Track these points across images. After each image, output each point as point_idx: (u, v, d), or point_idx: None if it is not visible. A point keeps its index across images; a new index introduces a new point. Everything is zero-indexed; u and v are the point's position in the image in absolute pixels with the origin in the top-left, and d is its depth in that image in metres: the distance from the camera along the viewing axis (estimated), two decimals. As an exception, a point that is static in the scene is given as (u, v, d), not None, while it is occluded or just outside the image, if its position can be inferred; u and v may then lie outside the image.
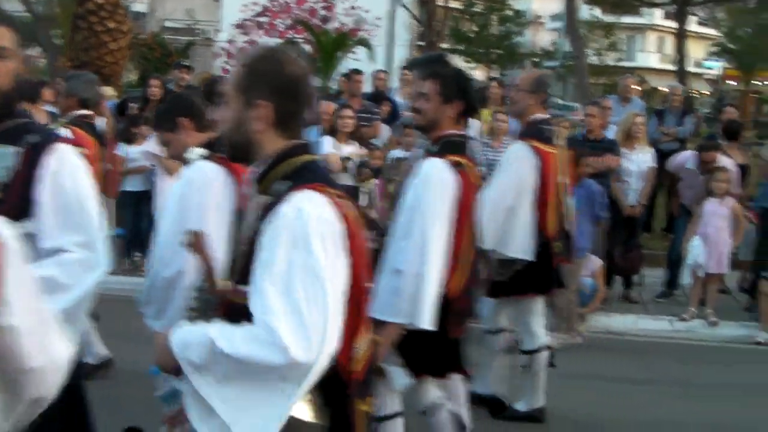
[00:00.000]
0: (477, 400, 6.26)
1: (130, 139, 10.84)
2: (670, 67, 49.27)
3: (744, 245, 10.91)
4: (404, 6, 34.61)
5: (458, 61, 45.49)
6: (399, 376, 4.66)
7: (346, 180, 9.73)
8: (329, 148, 9.80)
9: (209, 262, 3.16)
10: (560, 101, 40.17)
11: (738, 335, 9.67)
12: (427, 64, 4.94)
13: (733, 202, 9.89)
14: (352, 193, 9.80)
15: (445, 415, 4.90)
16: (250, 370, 2.74)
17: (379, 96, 12.94)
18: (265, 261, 2.76)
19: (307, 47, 23.75)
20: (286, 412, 2.78)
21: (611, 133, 10.77)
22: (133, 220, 10.82)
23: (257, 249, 2.82)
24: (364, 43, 22.75)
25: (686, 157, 10.78)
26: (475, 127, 11.49)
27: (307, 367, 2.72)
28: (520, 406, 6.63)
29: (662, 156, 11.19)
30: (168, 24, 44.38)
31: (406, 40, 36.97)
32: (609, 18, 49.94)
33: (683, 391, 7.73)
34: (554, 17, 57.44)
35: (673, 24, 45.35)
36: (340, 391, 2.89)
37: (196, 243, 3.22)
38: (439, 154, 4.63)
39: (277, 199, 2.84)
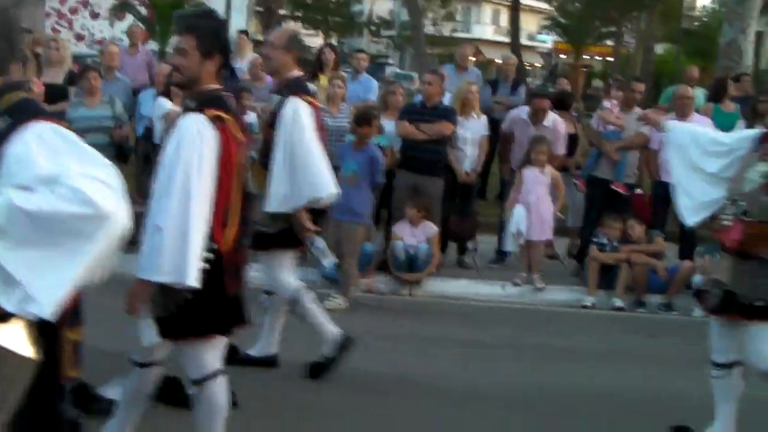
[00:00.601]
0: (249, 362, 6.62)
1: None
2: (505, 39, 50.31)
3: (572, 213, 11.28)
4: (242, -30, 34.17)
5: (297, 27, 45.35)
6: (149, 333, 4.55)
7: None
8: (168, 107, 9.54)
9: None
10: (398, 70, 40.56)
11: (566, 299, 9.98)
12: (186, 18, 4.83)
13: (552, 169, 10.18)
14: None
15: (222, 382, 4.74)
16: (50, 229, 2.77)
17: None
18: (36, 179, 2.79)
19: (143, 10, 23.23)
20: (81, 273, 2.83)
21: (448, 100, 10.90)
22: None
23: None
24: (201, 6, 22.34)
25: (520, 110, 11.08)
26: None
27: (111, 221, 2.80)
28: (327, 350, 6.69)
29: (495, 125, 11.39)
30: (-6, -19, 42.76)
31: (244, 6, 36.52)
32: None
33: (514, 353, 7.93)
34: (392, -14, 57.86)
35: (507, -3, 46.30)
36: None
37: None
38: (198, 109, 4.52)
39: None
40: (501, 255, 10.98)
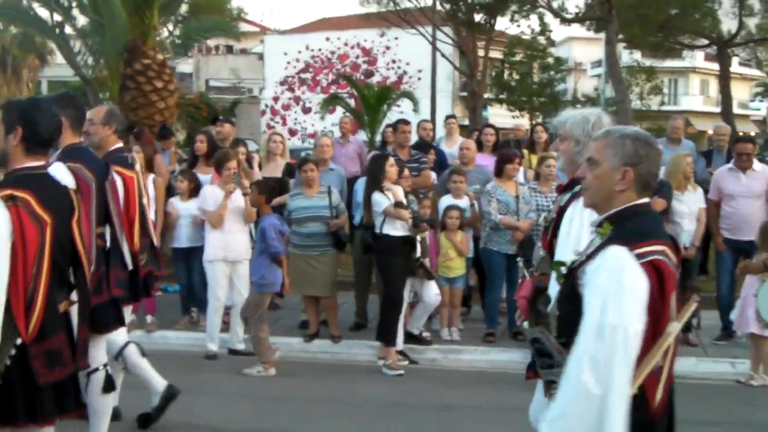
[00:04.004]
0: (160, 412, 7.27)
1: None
2: (715, 109, 49.05)
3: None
4: (445, 57, 34.82)
5: (501, 110, 45.60)
6: None
7: (402, 231, 9.64)
8: (385, 201, 9.68)
9: None
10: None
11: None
12: None
13: None
14: (409, 243, 9.72)
15: None
16: None
17: (425, 145, 12.95)
18: None
19: (351, 101, 23.94)
20: None
21: (661, 174, 10.69)
22: (185, 275, 10.89)
23: None
24: (408, 95, 22.88)
25: (722, 168, 10.77)
26: (521, 173, 11.48)
27: None
28: (155, 401, 7.24)
29: (713, 198, 11.05)
30: (213, 83, 45.04)
31: (449, 91, 37.18)
32: (650, 62, 49.83)
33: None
34: (595, 63, 57.55)
35: (715, 66, 45.19)
36: None
37: None
38: (8, 187, 4.45)
39: None
40: (728, 331, 10.53)
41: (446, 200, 10.86)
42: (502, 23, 39.17)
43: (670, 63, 53.44)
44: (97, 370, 6.17)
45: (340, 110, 22.78)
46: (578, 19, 32.39)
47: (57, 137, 4.95)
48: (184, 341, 10.17)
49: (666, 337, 3.42)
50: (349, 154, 13.44)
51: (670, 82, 62.52)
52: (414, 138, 12.99)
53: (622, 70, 31.25)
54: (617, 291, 3.30)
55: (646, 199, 3.59)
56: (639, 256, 3.35)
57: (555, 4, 31.54)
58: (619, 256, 3.36)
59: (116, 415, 7.25)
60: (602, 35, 31.79)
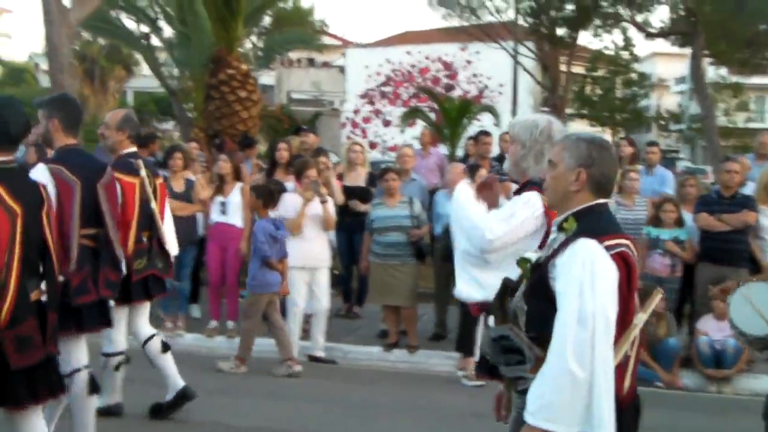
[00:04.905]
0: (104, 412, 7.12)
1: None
2: (803, 126, 48.00)
3: None
4: (527, 71, 34.65)
5: (583, 125, 45.19)
6: None
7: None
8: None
9: None
10: (690, 164, 39.46)
11: None
12: None
13: None
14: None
15: None
16: None
17: (505, 158, 12.86)
18: None
19: (432, 115, 23.91)
20: None
21: (748, 189, 10.50)
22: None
23: None
24: (489, 109, 22.76)
25: None
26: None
27: None
28: (169, 396, 7.49)
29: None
30: (295, 96, 45.42)
31: (530, 106, 36.91)
32: (736, 78, 48.96)
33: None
34: (679, 80, 56.75)
35: (804, 83, 44.28)
36: None
37: None
38: None
39: None
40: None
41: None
42: (585, 38, 38.87)
43: (756, 80, 52.45)
44: (79, 370, 6.12)
45: (420, 124, 22.76)
46: (663, 33, 31.92)
47: (26, 136, 5.00)
48: (264, 347, 10.21)
49: (633, 328, 3.58)
50: (430, 166, 13.43)
51: (756, 99, 61.36)
52: (495, 150, 12.92)
53: (707, 86, 30.70)
54: (592, 279, 3.43)
55: (602, 200, 3.71)
56: (608, 248, 3.51)
57: (639, 19, 31.10)
58: (589, 247, 3.50)
59: (118, 412, 7.43)
60: (687, 51, 31.37)
